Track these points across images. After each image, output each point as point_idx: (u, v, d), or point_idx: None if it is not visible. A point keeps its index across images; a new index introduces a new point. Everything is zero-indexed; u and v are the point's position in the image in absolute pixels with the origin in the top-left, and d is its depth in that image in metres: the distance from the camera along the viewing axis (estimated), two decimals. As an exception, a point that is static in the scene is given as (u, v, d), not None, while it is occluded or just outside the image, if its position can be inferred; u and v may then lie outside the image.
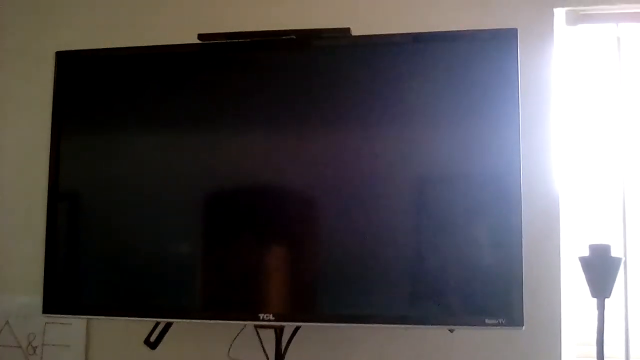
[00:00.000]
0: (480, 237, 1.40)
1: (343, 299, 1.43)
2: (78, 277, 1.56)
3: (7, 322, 1.83)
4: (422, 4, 1.71)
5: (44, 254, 1.56)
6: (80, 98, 1.60)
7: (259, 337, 1.52)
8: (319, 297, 1.48)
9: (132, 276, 1.53)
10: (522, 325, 1.35)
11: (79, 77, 1.60)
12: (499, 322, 1.35)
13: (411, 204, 1.45)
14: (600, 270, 1.38)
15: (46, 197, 1.57)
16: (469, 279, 1.39)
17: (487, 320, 1.36)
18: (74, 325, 1.78)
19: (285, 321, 1.46)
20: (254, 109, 1.51)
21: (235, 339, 1.58)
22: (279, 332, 1.51)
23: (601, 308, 1.37)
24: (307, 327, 1.53)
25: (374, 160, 1.46)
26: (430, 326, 1.43)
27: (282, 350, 1.52)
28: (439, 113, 1.44)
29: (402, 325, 1.43)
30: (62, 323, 1.78)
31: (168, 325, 1.57)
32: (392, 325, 1.45)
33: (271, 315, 1.43)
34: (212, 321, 1.51)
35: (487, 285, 1.37)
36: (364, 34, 1.50)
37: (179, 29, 1.73)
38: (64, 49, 1.61)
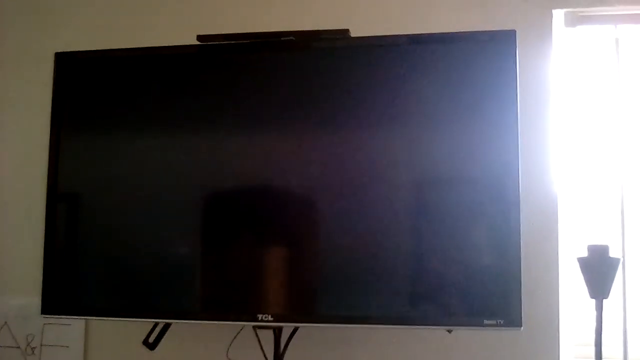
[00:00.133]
0: (479, 238, 1.41)
1: (341, 300, 1.43)
2: (77, 277, 1.56)
3: (5, 323, 1.83)
4: (421, 6, 1.71)
5: (42, 255, 1.56)
6: (79, 99, 1.60)
7: (257, 337, 1.52)
8: (317, 298, 1.48)
9: (131, 277, 1.54)
10: (521, 326, 1.35)
11: (78, 78, 1.60)
12: (497, 322, 1.35)
13: (410, 205, 1.45)
14: (599, 271, 1.38)
15: (45, 198, 1.57)
16: (468, 279, 1.39)
17: (485, 321, 1.36)
18: (73, 326, 1.78)
19: (284, 322, 1.46)
20: (253, 110, 1.51)
21: (234, 339, 1.58)
22: (277, 332, 1.51)
23: (599, 309, 1.38)
24: (306, 328, 1.53)
25: (372, 161, 1.46)
26: (428, 327, 1.43)
27: (281, 351, 1.52)
28: (438, 114, 1.44)
29: (401, 326, 1.44)
30: (61, 324, 1.78)
31: (167, 326, 1.57)
32: (391, 326, 1.45)
33: (270, 316, 1.43)
34: (210, 322, 1.51)
35: (485, 286, 1.37)
36: (363, 35, 1.50)
37: (178, 30, 1.73)
38: (64, 50, 1.61)
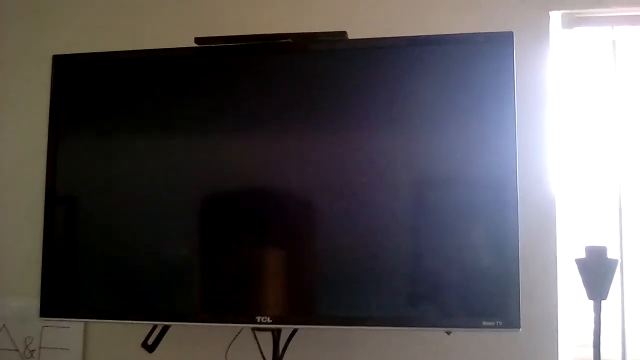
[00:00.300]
0: (477, 239, 1.41)
1: (340, 301, 1.43)
2: (75, 280, 1.55)
3: (4, 326, 1.82)
4: (418, 7, 1.71)
5: (41, 257, 1.56)
6: (77, 101, 1.60)
7: (256, 339, 1.52)
8: (316, 299, 1.48)
9: (130, 279, 1.53)
10: (519, 327, 1.35)
11: (76, 80, 1.60)
12: (496, 324, 1.35)
13: (408, 206, 1.45)
14: (597, 272, 1.38)
15: (44, 200, 1.57)
16: (466, 281, 1.39)
17: (484, 323, 1.36)
18: (72, 329, 1.77)
19: (282, 324, 1.46)
20: (251, 112, 1.51)
21: (232, 341, 1.58)
22: (276, 334, 1.51)
23: (598, 310, 1.38)
24: (305, 330, 1.53)
25: (370, 162, 1.46)
26: (427, 328, 1.43)
27: (280, 352, 1.52)
28: (436, 116, 1.44)
29: (400, 328, 1.44)
30: (60, 326, 1.78)
31: (165, 328, 1.57)
32: (390, 328, 1.45)
33: (268, 318, 1.43)
34: (209, 324, 1.51)
35: (484, 287, 1.38)
36: (360, 37, 1.50)
37: (176, 32, 1.73)
38: (63, 51, 1.61)
